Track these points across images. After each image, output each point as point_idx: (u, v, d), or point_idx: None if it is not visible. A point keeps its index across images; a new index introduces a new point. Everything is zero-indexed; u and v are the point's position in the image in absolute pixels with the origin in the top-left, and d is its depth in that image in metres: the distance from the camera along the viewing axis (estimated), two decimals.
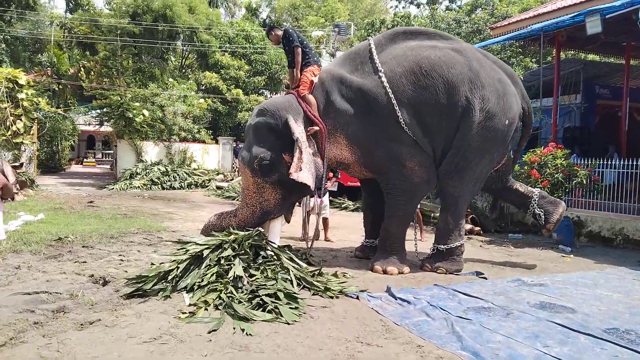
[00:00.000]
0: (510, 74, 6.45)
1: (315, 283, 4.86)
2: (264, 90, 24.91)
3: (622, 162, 8.50)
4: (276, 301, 4.18)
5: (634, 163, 8.19)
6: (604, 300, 4.96)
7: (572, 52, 17.44)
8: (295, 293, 4.43)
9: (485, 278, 5.77)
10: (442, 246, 6.06)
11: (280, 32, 6.26)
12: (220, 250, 4.89)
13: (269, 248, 5.18)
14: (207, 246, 4.95)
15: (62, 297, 4.26)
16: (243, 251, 4.92)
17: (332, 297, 4.64)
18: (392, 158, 5.79)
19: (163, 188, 17.49)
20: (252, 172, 5.65)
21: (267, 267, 4.81)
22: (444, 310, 4.39)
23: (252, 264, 4.82)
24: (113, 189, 16.35)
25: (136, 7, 21.49)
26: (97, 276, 4.97)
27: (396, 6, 34.98)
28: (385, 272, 5.76)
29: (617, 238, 8.26)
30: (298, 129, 5.57)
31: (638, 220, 8.01)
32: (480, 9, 28.83)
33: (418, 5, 34.38)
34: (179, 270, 4.63)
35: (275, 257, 5.06)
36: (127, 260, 5.81)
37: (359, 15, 34.23)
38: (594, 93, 14.50)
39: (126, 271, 5.28)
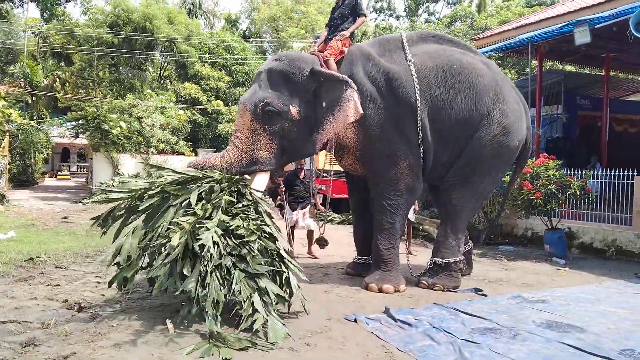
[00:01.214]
0: (524, 101, 6.43)
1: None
2: None
3: (604, 173, 8.45)
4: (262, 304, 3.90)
5: (616, 173, 8.12)
6: (610, 317, 4.75)
7: (551, 63, 17.61)
8: (282, 270, 4.22)
9: (485, 295, 5.53)
10: (439, 260, 5.83)
11: None
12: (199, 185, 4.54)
13: (251, 196, 4.73)
14: (188, 177, 4.63)
15: (32, 327, 3.86)
16: (226, 190, 4.53)
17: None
18: (389, 154, 5.53)
19: None
20: (253, 116, 5.14)
21: (248, 217, 4.43)
22: (448, 332, 4.12)
23: (231, 209, 4.44)
24: (88, 203, 15.75)
25: (116, 17, 21.07)
26: (71, 301, 4.58)
27: (376, 18, 35.15)
28: (381, 290, 5.47)
29: (609, 249, 8.15)
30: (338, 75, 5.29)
31: (630, 231, 7.90)
32: (459, 21, 29.15)
33: (398, 18, 34.65)
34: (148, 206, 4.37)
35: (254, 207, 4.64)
36: (104, 282, 5.40)
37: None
38: (574, 104, 14.58)
39: (103, 295, 4.89)
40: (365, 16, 5.95)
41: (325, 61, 5.46)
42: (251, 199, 4.67)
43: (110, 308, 4.49)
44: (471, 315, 4.64)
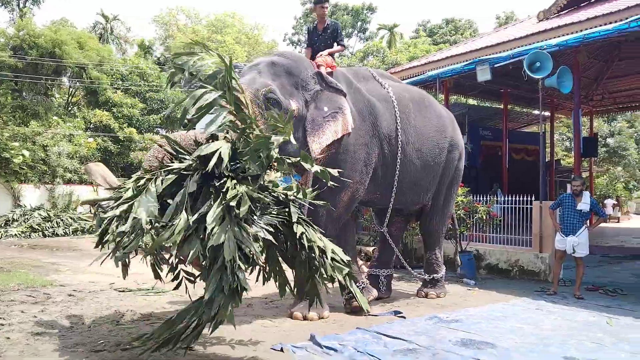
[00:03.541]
0: None
1: None
2: (159, 129, 23.97)
3: (505, 198, 9.17)
4: None
5: (517, 199, 8.86)
6: (517, 332, 5.13)
7: (456, 96, 18.93)
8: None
9: (404, 317, 5.75)
10: (436, 275, 7.00)
11: (327, 12, 6.27)
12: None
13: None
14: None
15: None
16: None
17: None
18: (354, 163, 5.65)
19: (45, 235, 15.84)
20: (251, 100, 4.79)
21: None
22: (372, 355, 4.25)
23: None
24: None
25: (20, 41, 19.88)
26: None
27: (294, 50, 35.88)
28: (305, 318, 5.52)
29: (513, 269, 8.79)
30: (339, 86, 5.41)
31: (530, 252, 8.59)
32: (371, 55, 30.59)
33: None
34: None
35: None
36: (8, 324, 5.00)
37: (257, 57, 34.61)
38: (478, 134, 15.74)
39: (8, 337, 4.52)
40: (345, 47, 6.30)
41: (319, 68, 5.62)
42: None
43: None
44: (392, 337, 4.81)
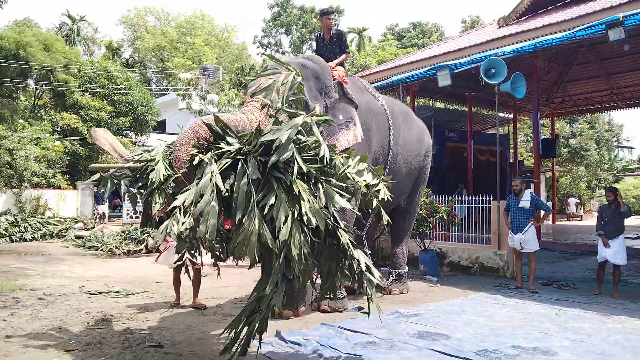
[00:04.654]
0: None
1: None
2: (128, 132, 23.79)
3: (469, 198, 9.55)
4: None
5: (478, 199, 9.25)
6: (472, 324, 5.46)
7: (423, 100, 19.41)
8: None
9: (367, 313, 6.00)
10: (401, 271, 7.40)
11: (334, 23, 6.73)
12: None
13: None
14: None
15: None
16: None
17: None
18: None
19: (12, 240, 15.55)
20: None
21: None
22: (334, 348, 4.50)
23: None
24: None
25: None
26: None
27: (263, 53, 36.02)
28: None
29: (474, 266, 9.17)
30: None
31: (489, 249, 8.99)
32: None
33: (284, 53, 35.81)
34: None
35: None
36: None
37: (227, 60, 34.60)
38: (444, 137, 16.18)
39: None
40: (349, 54, 6.70)
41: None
42: None
43: None
44: (354, 331, 5.09)
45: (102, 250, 12.36)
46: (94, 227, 16.97)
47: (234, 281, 8.01)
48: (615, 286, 7.16)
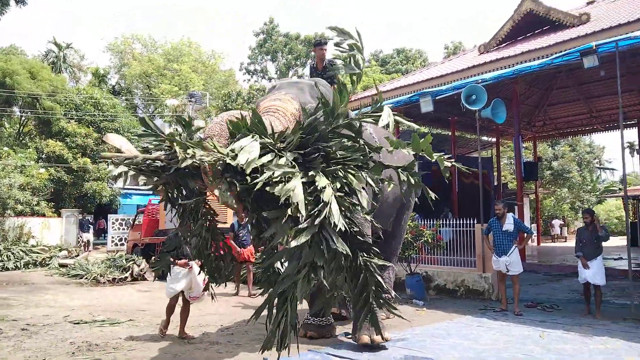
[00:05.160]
0: None
1: None
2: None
3: (454, 221, 9.68)
4: None
5: (462, 222, 9.37)
6: (457, 348, 5.51)
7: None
8: None
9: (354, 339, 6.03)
10: (388, 295, 6.71)
11: (326, 54, 6.82)
12: None
13: None
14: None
15: None
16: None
17: None
18: None
19: None
20: (293, 103, 5.04)
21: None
22: None
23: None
24: None
25: None
26: None
27: (249, 79, 36.44)
28: (373, 341, 5.73)
29: (460, 289, 9.24)
30: None
31: (474, 272, 9.08)
32: None
33: (270, 79, 36.24)
34: None
35: None
36: None
37: (213, 86, 34.83)
38: (428, 160, 16.35)
39: None
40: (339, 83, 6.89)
41: None
42: None
43: None
44: (341, 357, 5.11)
45: (86, 278, 12.23)
46: (78, 255, 16.78)
47: (220, 309, 7.99)
48: (598, 307, 7.27)
